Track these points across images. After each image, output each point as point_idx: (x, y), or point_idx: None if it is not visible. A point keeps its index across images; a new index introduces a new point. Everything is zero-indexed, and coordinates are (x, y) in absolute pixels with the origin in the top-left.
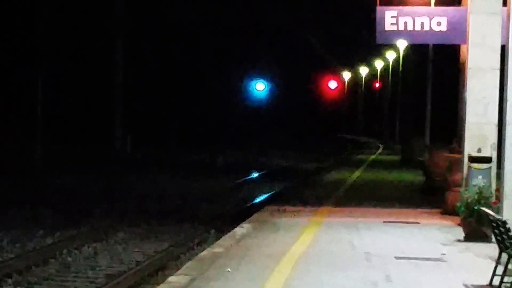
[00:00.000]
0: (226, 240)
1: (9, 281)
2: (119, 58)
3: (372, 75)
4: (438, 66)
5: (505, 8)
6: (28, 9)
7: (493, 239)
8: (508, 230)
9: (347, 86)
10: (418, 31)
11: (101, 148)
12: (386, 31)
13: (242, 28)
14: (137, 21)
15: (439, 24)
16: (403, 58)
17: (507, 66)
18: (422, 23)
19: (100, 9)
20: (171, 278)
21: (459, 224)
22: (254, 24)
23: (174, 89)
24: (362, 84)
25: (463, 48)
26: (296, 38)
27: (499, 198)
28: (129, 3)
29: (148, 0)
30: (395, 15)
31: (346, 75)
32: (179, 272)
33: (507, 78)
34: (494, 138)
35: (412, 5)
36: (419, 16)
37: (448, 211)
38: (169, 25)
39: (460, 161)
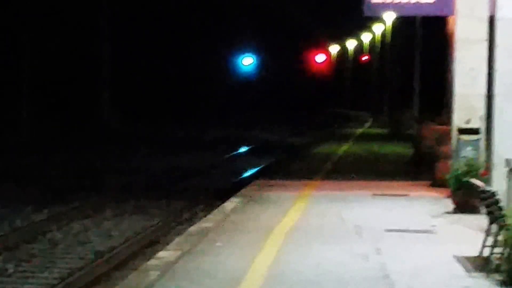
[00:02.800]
0: (215, 214)
1: None
2: (106, 33)
3: (360, 48)
4: (426, 38)
5: None
6: None
7: (483, 211)
8: (497, 201)
9: (335, 59)
10: (405, 3)
11: (88, 124)
12: (373, 3)
13: (228, 2)
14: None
15: None
16: (391, 30)
17: (495, 37)
18: None
19: None
20: (161, 254)
21: (448, 196)
22: None
23: (162, 65)
24: (349, 57)
25: (450, 19)
26: (282, 12)
27: (488, 169)
28: None
29: None
30: None
31: (334, 48)
32: (168, 247)
33: (494, 49)
34: (482, 109)
35: None
36: None
37: (437, 183)
38: (155, 1)
39: (449, 133)
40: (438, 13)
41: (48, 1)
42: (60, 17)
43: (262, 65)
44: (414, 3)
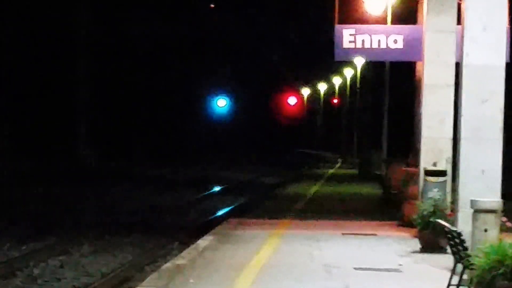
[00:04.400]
0: (189, 252)
1: None
2: (82, 74)
3: (331, 91)
4: (394, 82)
5: (459, 26)
6: None
7: (449, 250)
8: (462, 241)
9: (306, 102)
10: (375, 48)
11: (66, 163)
12: (344, 48)
13: (204, 46)
14: (103, 38)
15: (395, 41)
16: (360, 74)
17: (461, 82)
18: (379, 41)
19: (63, 26)
20: None
21: (415, 236)
22: (216, 41)
23: (139, 106)
24: (321, 100)
25: (418, 65)
26: (256, 56)
27: (454, 210)
28: (95, 20)
29: (115, 18)
30: (353, 33)
31: (305, 91)
32: (143, 283)
33: (461, 94)
34: (449, 152)
35: (369, 23)
36: (376, 34)
37: (404, 223)
38: (134, 43)
39: (416, 174)
40: (407, 59)
41: (25, 48)
42: (39, 61)
43: (236, 107)
44: (383, 49)
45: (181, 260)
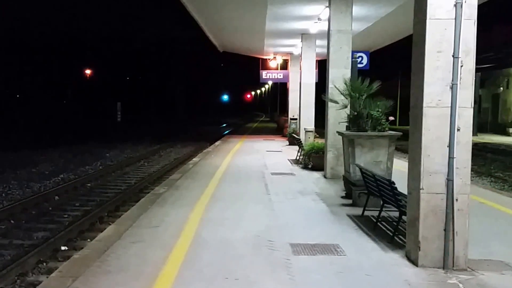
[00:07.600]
0: (212, 147)
1: (116, 173)
2: (178, 91)
3: (261, 92)
4: (281, 89)
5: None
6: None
7: (296, 145)
8: (301, 141)
9: (254, 96)
10: (274, 78)
11: (172, 119)
12: (263, 78)
13: (215, 76)
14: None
15: (280, 75)
16: (270, 86)
17: (300, 89)
18: (275, 76)
19: (166, 73)
20: (193, 159)
21: (287, 140)
22: (222, 73)
23: (196, 100)
24: (257, 95)
25: (288, 83)
26: (236, 80)
27: (299, 131)
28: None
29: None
30: (266, 72)
31: (253, 92)
32: (196, 156)
33: (301, 93)
34: (298, 112)
35: (272, 69)
36: (274, 73)
37: (284, 136)
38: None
39: (288, 120)
40: (284, 81)
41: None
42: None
43: (231, 98)
44: (276, 78)
45: (209, 149)
